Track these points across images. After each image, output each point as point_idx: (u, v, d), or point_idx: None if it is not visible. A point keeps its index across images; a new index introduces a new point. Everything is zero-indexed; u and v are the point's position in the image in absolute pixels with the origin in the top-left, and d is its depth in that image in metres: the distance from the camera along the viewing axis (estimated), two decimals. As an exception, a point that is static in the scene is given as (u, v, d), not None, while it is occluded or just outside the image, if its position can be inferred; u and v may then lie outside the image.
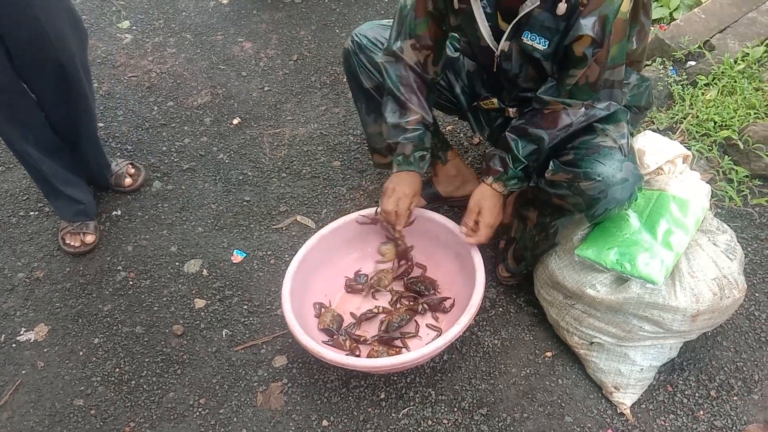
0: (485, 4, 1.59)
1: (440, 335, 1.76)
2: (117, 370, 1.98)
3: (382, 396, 1.85)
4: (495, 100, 1.86)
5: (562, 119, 1.61)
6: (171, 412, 1.87)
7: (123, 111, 2.81)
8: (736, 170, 2.26)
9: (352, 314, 1.99)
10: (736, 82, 2.53)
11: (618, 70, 1.59)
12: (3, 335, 2.09)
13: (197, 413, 1.86)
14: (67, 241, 2.27)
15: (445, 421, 1.79)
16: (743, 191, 2.24)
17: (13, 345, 2.07)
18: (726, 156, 2.32)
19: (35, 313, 2.14)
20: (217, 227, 2.35)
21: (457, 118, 2.39)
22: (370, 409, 1.83)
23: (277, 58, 3.04)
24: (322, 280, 2.02)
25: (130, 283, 2.20)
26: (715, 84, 2.55)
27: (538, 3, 1.49)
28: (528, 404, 1.81)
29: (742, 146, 2.27)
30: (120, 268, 2.25)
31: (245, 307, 2.10)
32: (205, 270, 2.22)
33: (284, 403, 1.86)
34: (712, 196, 2.18)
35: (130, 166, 2.49)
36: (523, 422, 1.77)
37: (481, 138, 2.45)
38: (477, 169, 2.34)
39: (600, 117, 1.62)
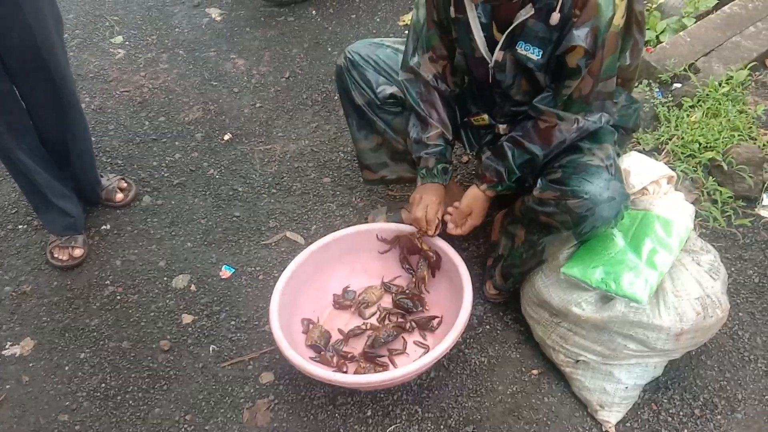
0: (480, 14, 1.62)
1: (427, 352, 1.77)
2: (103, 385, 1.97)
3: (369, 413, 1.85)
4: (485, 116, 1.89)
5: (556, 136, 1.65)
6: (157, 428, 1.86)
7: (114, 126, 2.82)
8: (720, 191, 2.29)
9: (339, 330, 2.00)
10: (720, 104, 2.57)
11: (610, 82, 1.63)
12: (-12, 349, 2.08)
13: (183, 429, 1.85)
14: (56, 255, 2.27)
15: (431, 439, 1.79)
16: (727, 212, 2.27)
17: (-2, 359, 2.06)
18: (710, 177, 2.35)
19: (21, 327, 2.13)
20: (206, 242, 2.35)
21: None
22: (356, 427, 1.83)
23: (270, 75, 3.06)
24: (311, 296, 2.03)
25: (118, 297, 2.20)
26: (700, 106, 2.59)
27: (532, 12, 1.52)
28: (514, 422, 1.81)
29: (726, 168, 2.31)
30: (108, 282, 2.24)
31: (233, 322, 2.10)
32: (193, 285, 2.21)
33: (270, 419, 1.86)
34: (696, 217, 2.21)
35: (122, 181, 2.49)
36: (509, 440, 1.78)
37: (470, 156, 2.48)
38: (466, 187, 2.35)
39: (592, 129, 1.66)
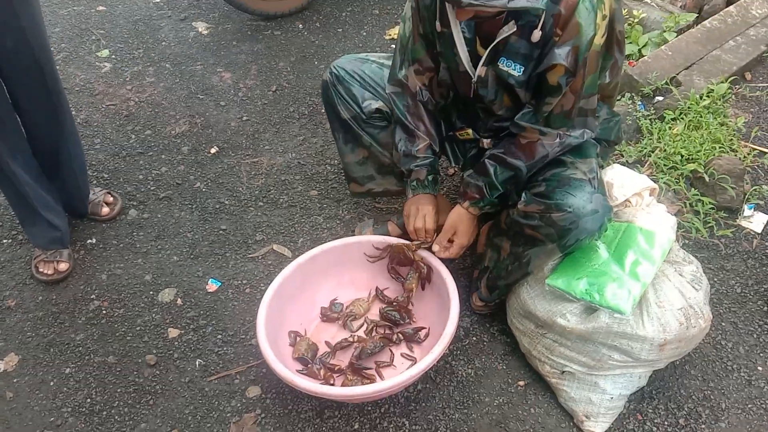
0: (464, 29, 1.65)
1: (414, 364, 1.77)
2: (88, 400, 1.95)
3: (356, 426, 1.85)
4: (470, 131, 1.91)
5: (538, 150, 1.67)
6: (142, 444, 1.85)
7: (100, 139, 2.82)
8: (703, 202, 2.33)
9: (327, 343, 2.00)
10: (701, 117, 2.62)
11: (591, 99, 1.66)
12: (-29, 365, 2.06)
13: (169, 444, 1.84)
14: (41, 269, 2.25)
15: (418, 451, 1.80)
16: (709, 223, 2.31)
17: (-18, 375, 2.04)
18: (693, 188, 2.39)
19: (5, 342, 2.11)
20: (192, 256, 2.34)
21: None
22: (344, 440, 1.83)
23: (256, 89, 3.07)
24: (298, 309, 2.03)
25: (104, 312, 2.18)
26: (682, 119, 2.63)
27: (515, 29, 1.55)
28: (501, 433, 1.82)
29: (707, 179, 2.34)
30: (93, 296, 2.23)
31: (219, 336, 2.09)
32: (179, 299, 2.21)
33: (258, 433, 1.86)
34: (679, 228, 2.24)
35: (108, 194, 2.49)
36: (496, 452, 1.79)
37: (456, 169, 2.50)
38: (452, 199, 2.37)
39: (574, 144, 1.68)
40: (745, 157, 2.52)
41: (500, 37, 1.57)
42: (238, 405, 1.92)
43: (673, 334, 1.65)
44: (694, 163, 2.43)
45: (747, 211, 2.34)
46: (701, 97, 2.70)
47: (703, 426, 1.82)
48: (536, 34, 1.53)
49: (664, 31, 3.07)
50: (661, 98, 2.77)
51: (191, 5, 3.64)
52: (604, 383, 1.76)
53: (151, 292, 2.23)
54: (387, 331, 1.99)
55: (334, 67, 1.96)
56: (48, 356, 2.07)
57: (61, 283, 2.27)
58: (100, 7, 3.63)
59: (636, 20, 3.16)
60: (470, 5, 1.38)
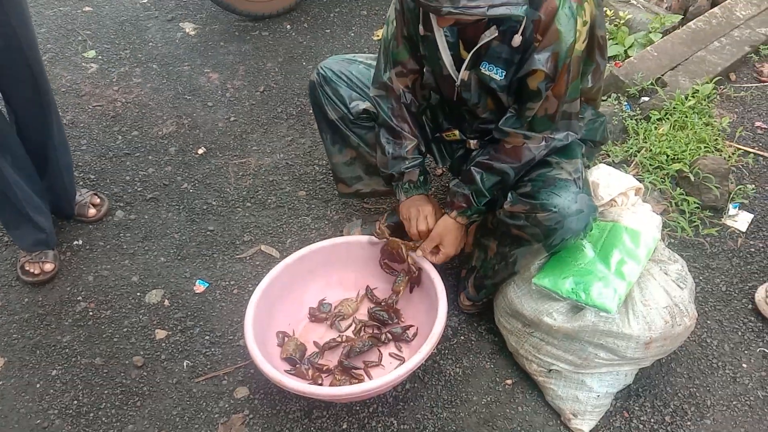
0: (447, 33, 1.65)
1: (403, 364, 1.78)
2: (75, 402, 1.94)
3: (345, 426, 1.85)
4: (457, 132, 1.92)
5: (525, 154, 1.68)
6: (130, 445, 1.84)
7: (87, 140, 2.80)
8: (688, 201, 2.35)
9: (315, 343, 2.00)
10: (687, 117, 2.64)
11: (574, 103, 1.67)
12: (-44, 368, 2.04)
13: (157, 446, 1.84)
14: (27, 269, 2.24)
15: (407, 451, 1.80)
16: (695, 222, 2.33)
17: (-33, 378, 2.02)
18: (678, 188, 2.41)
19: (-9, 344, 2.10)
20: (179, 257, 2.34)
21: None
22: (332, 440, 1.83)
23: (244, 89, 3.07)
24: (286, 309, 2.03)
25: (90, 313, 2.17)
26: (668, 119, 2.65)
27: (496, 35, 1.56)
28: (489, 432, 1.83)
29: (693, 179, 2.36)
30: (80, 298, 2.22)
31: (207, 337, 2.09)
32: (166, 300, 2.20)
33: (246, 434, 1.85)
34: (665, 227, 2.26)
35: (95, 196, 2.47)
36: (484, 450, 1.79)
37: (443, 169, 2.51)
38: (440, 199, 2.38)
39: (559, 147, 1.69)
40: (729, 156, 2.54)
41: (481, 42, 1.58)
42: (226, 406, 1.91)
43: (659, 332, 1.66)
44: (679, 162, 2.45)
45: (732, 210, 2.36)
46: (686, 98, 2.72)
47: (688, 423, 1.83)
48: (517, 39, 1.54)
49: (650, 32, 3.09)
50: (646, 99, 2.79)
51: (178, 6, 3.62)
52: (591, 381, 1.77)
53: (138, 294, 2.22)
54: (375, 331, 1.99)
55: (322, 67, 1.96)
56: (34, 358, 2.05)
57: (47, 285, 2.25)
58: (87, 8, 3.61)
59: (622, 21, 3.18)
60: (450, 14, 1.39)
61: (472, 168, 1.75)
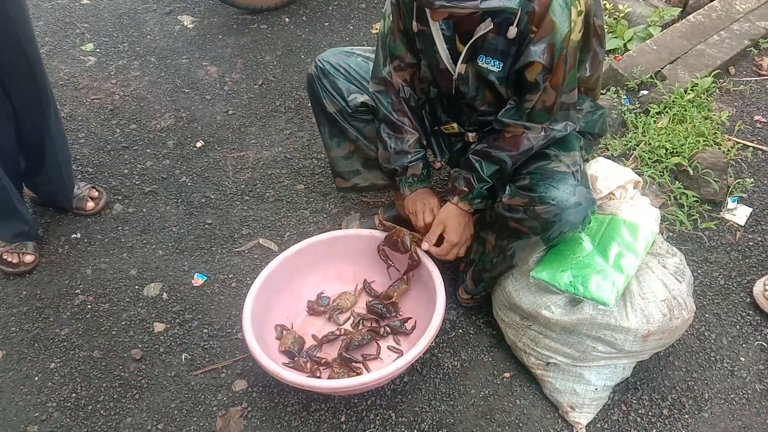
0: (443, 27, 1.65)
1: (401, 357, 1.78)
2: (73, 395, 1.94)
3: (343, 419, 1.86)
4: (455, 125, 1.91)
5: (523, 143, 1.67)
6: (128, 438, 1.85)
7: (85, 133, 2.79)
8: (687, 195, 2.34)
9: (313, 336, 2.00)
10: (686, 110, 2.63)
11: (572, 93, 1.67)
12: (-46, 361, 2.05)
13: (155, 438, 1.84)
14: (5, 258, 2.23)
15: (405, 443, 1.80)
16: (693, 215, 2.33)
17: (-35, 371, 2.02)
18: (677, 181, 2.41)
19: (-11, 337, 2.10)
20: (178, 250, 2.34)
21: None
22: (330, 432, 1.83)
23: (242, 83, 3.06)
24: (284, 302, 2.03)
25: (89, 306, 2.17)
26: (667, 112, 2.65)
27: (492, 27, 1.55)
28: (487, 425, 1.83)
29: (691, 172, 2.36)
30: (78, 291, 2.22)
31: (205, 330, 2.09)
32: (165, 293, 2.20)
33: (244, 427, 1.85)
34: (663, 221, 2.26)
35: (93, 189, 2.47)
36: (482, 443, 1.80)
37: (442, 162, 2.50)
38: (439, 193, 2.37)
39: (557, 138, 1.69)
40: (728, 150, 2.54)
41: (477, 34, 1.58)
42: (225, 399, 1.91)
43: (657, 325, 1.66)
44: (678, 156, 2.45)
45: (730, 204, 2.36)
46: (686, 91, 2.72)
47: (686, 416, 1.84)
48: (512, 31, 1.54)
49: (649, 26, 3.09)
50: (646, 92, 2.78)
51: (177, -1, 3.62)
52: (589, 374, 1.77)
53: (136, 287, 2.22)
54: (374, 324, 1.99)
55: (320, 60, 1.96)
56: (32, 351, 2.06)
57: (45, 278, 2.25)
58: (85, 1, 3.59)
59: (621, 15, 3.17)
60: (443, 7, 1.39)
61: (470, 156, 1.75)
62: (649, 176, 2.41)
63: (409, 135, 1.87)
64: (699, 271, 2.18)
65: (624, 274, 1.66)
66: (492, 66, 1.62)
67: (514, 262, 1.80)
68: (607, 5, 3.21)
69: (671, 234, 2.28)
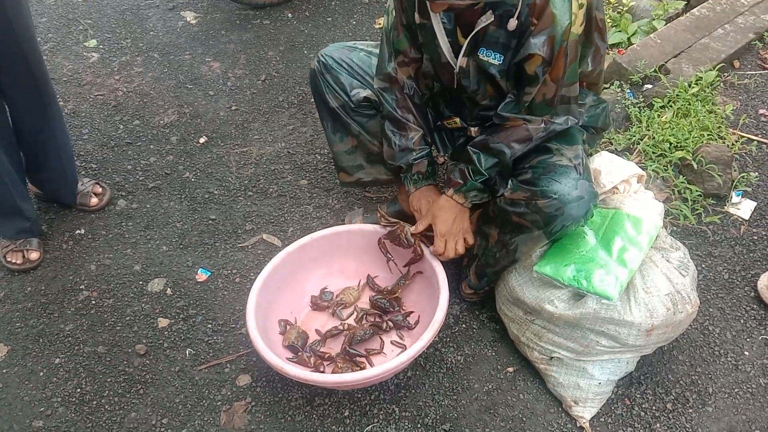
0: (444, 20, 1.64)
1: (404, 351, 1.78)
2: (78, 390, 1.95)
3: (346, 413, 1.86)
4: (457, 120, 1.91)
5: (522, 134, 1.67)
6: (133, 433, 1.85)
7: (88, 129, 2.80)
8: (691, 189, 2.34)
9: (317, 331, 2.00)
10: (690, 104, 2.62)
11: (573, 87, 1.66)
12: (-40, 356, 2.06)
13: (159, 433, 1.85)
14: (9, 259, 2.24)
15: (408, 438, 1.81)
16: (697, 210, 2.32)
17: (-29, 366, 2.03)
18: (681, 176, 2.40)
19: (-6, 333, 2.11)
20: (181, 246, 2.34)
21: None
22: (334, 427, 1.83)
23: (245, 78, 3.06)
24: (288, 297, 2.03)
25: (93, 302, 2.18)
26: (671, 106, 2.64)
27: (493, 19, 1.55)
28: (490, 419, 1.83)
29: (695, 166, 2.35)
30: (83, 287, 2.22)
31: (209, 326, 2.10)
32: (169, 289, 2.21)
33: (248, 422, 1.86)
34: (667, 215, 2.26)
35: (97, 185, 2.47)
36: (486, 437, 1.80)
37: (444, 157, 2.50)
38: (442, 188, 2.37)
39: (558, 131, 1.68)
40: (733, 144, 2.53)
41: (478, 27, 1.58)
42: (229, 393, 1.92)
43: (660, 319, 1.66)
44: (682, 150, 2.44)
45: (735, 198, 2.36)
46: (690, 85, 2.70)
47: (690, 410, 1.83)
48: (512, 23, 1.53)
49: (653, 19, 3.07)
50: (650, 86, 2.77)
51: (179, -6, 3.62)
52: (592, 369, 1.77)
53: (140, 282, 2.23)
54: (377, 319, 2.00)
55: (322, 55, 1.95)
56: (37, 347, 2.06)
57: (50, 274, 2.26)
58: (88, -3, 3.60)
59: (625, 8, 3.16)
60: None
61: (469, 148, 1.74)
62: (653, 170, 2.40)
63: (413, 132, 1.87)
64: (703, 266, 2.17)
65: (627, 269, 1.66)
66: (493, 59, 1.62)
67: (517, 257, 1.79)
68: (608, -1, 3.20)
69: (675, 228, 2.27)
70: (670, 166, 2.43)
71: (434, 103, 1.98)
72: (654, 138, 2.51)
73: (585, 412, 1.80)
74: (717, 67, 2.78)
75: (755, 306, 2.07)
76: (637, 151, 2.50)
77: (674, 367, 1.93)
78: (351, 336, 1.91)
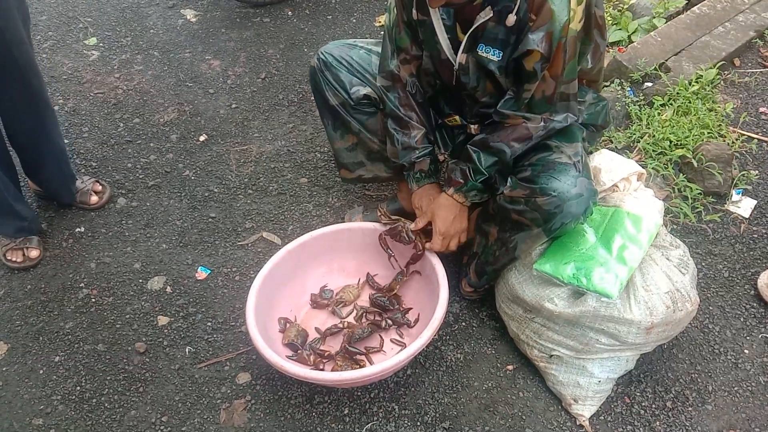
0: (444, 16, 1.64)
1: (404, 349, 1.78)
2: (78, 388, 1.95)
3: (346, 411, 1.86)
4: (458, 117, 1.91)
5: (522, 133, 1.67)
6: (133, 431, 1.85)
7: (88, 128, 2.80)
8: (691, 188, 2.33)
9: (317, 329, 2.00)
10: (690, 102, 2.62)
11: (572, 84, 1.66)
12: (-40, 354, 2.06)
13: (159, 431, 1.84)
14: (9, 257, 2.24)
15: (408, 436, 1.81)
16: (697, 208, 2.32)
17: (-29, 364, 2.03)
18: (681, 174, 2.40)
19: (-6, 331, 2.11)
20: (181, 244, 2.34)
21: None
22: (333, 425, 1.83)
23: (245, 76, 3.06)
24: (288, 295, 2.03)
25: (93, 300, 2.18)
26: (671, 105, 2.63)
27: (491, 15, 1.54)
28: (490, 417, 1.83)
29: (696, 164, 2.35)
30: (82, 285, 2.22)
31: (209, 324, 2.10)
32: (168, 287, 2.21)
33: (247, 420, 1.86)
34: (667, 213, 2.25)
35: (96, 183, 2.47)
36: (485, 435, 1.80)
37: (445, 155, 2.50)
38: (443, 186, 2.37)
39: (558, 129, 1.68)
40: (733, 142, 2.53)
41: (477, 23, 1.57)
42: (228, 391, 1.92)
43: (660, 317, 1.66)
44: (682, 148, 2.43)
45: (735, 197, 2.35)
46: (690, 83, 2.70)
47: (690, 408, 1.83)
48: (511, 19, 1.53)
49: (654, 17, 3.07)
50: (650, 84, 2.77)
51: (179, -8, 3.61)
52: (592, 367, 1.77)
53: (140, 280, 2.23)
54: (376, 317, 2.00)
55: (322, 53, 1.95)
56: (37, 345, 2.06)
57: (49, 272, 2.26)
58: (88, -5, 3.60)
59: (626, 6, 3.15)
60: None
61: (468, 146, 1.74)
62: (653, 168, 2.40)
63: (416, 130, 1.86)
64: (703, 264, 2.17)
65: (627, 266, 1.66)
66: (492, 55, 1.62)
67: (517, 255, 1.79)
68: (610, -4, 3.19)
69: (675, 226, 2.27)
70: (670, 164, 2.43)
71: (435, 100, 1.97)
72: (654, 136, 2.51)
73: (585, 410, 1.80)
74: (717, 65, 2.78)
75: (755, 304, 2.07)
76: (637, 149, 2.50)
77: (674, 365, 1.93)
78: (350, 334, 1.92)
